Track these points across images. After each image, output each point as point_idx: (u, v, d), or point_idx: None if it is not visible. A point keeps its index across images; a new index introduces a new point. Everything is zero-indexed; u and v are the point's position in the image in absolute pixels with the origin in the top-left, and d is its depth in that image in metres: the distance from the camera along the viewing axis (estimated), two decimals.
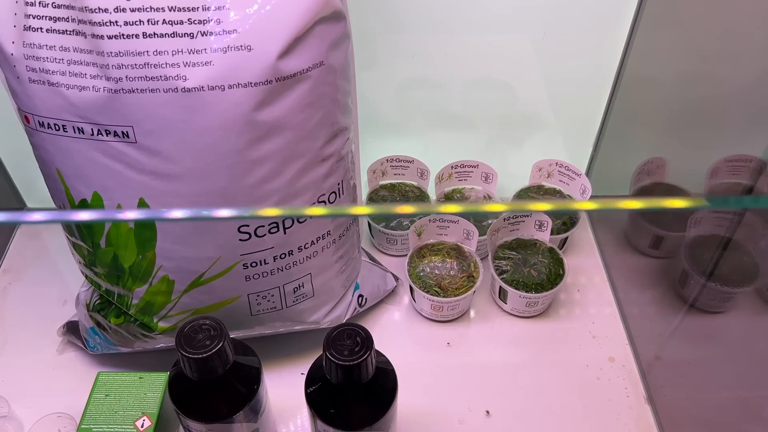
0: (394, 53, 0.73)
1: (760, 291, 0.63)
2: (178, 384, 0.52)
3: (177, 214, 0.33)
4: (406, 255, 0.71)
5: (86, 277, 0.60)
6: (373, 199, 0.77)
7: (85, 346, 0.65)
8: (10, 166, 0.78)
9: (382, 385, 0.52)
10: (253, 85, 0.48)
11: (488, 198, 0.77)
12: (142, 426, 0.55)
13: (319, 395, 0.51)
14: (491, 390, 0.64)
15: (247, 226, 0.54)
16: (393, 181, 0.79)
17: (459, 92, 0.78)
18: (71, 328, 0.66)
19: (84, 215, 0.39)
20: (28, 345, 0.68)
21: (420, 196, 0.78)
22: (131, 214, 0.43)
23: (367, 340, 0.49)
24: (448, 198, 0.77)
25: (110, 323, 0.60)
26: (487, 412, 0.63)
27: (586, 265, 0.76)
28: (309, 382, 0.53)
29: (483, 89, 0.78)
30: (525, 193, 0.78)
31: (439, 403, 0.63)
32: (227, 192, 0.52)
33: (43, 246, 0.78)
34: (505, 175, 0.77)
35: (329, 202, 0.58)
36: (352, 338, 0.49)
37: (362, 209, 0.35)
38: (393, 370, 0.53)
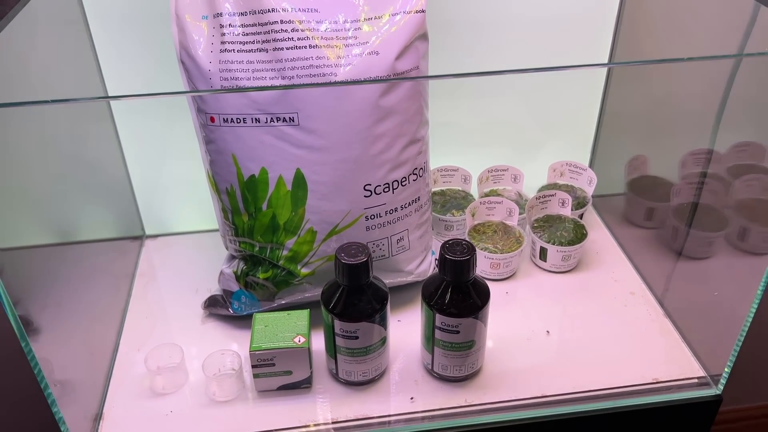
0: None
1: (731, 239, 0.85)
2: (330, 296, 0.70)
3: None
4: None
5: (239, 243, 0.79)
6: None
7: (230, 309, 0.82)
8: (138, 195, 0.98)
9: (480, 285, 0.71)
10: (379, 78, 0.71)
11: (519, 195, 0.99)
12: (299, 341, 0.72)
13: (436, 294, 0.70)
14: (546, 318, 0.84)
15: (369, 185, 0.74)
16: (443, 188, 1.01)
17: (479, 129, 1.03)
18: (212, 302, 0.84)
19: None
20: (174, 323, 0.85)
21: (465, 197, 0.99)
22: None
23: (471, 247, 0.69)
24: (487, 196, 0.99)
25: (259, 278, 0.78)
26: (548, 331, 0.82)
27: (598, 236, 0.98)
28: (425, 293, 0.71)
29: (498, 127, 1.03)
30: (546, 189, 1.00)
31: (508, 328, 0.82)
32: (358, 159, 0.73)
33: (164, 256, 0.97)
34: (528, 177, 1.00)
35: (419, 176, 0.79)
36: (460, 246, 0.69)
37: None
38: (484, 280, 0.73)
